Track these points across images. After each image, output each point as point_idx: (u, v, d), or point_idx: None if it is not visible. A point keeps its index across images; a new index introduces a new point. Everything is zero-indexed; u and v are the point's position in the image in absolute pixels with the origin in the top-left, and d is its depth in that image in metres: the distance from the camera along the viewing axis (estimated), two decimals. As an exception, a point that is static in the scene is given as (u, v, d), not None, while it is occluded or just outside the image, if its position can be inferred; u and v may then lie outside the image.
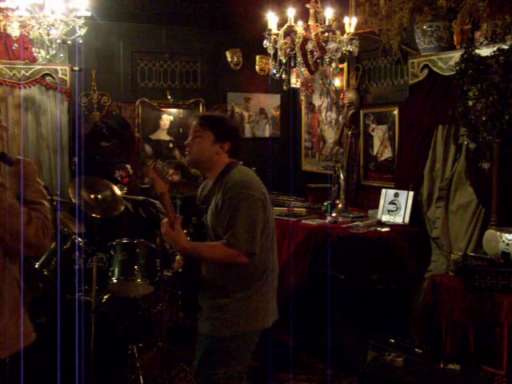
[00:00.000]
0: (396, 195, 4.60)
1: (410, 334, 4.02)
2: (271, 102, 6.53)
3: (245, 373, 2.65)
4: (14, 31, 4.33)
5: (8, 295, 2.08)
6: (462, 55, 3.76)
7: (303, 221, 4.66)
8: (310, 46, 4.09)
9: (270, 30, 4.17)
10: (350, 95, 5.36)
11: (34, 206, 2.08)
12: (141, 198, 3.85)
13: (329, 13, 4.07)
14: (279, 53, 4.21)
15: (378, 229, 4.37)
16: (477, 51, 3.70)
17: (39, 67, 4.99)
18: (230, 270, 2.48)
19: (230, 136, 2.58)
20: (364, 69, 5.35)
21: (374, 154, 5.25)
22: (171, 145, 6.10)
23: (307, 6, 4.24)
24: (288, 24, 4.10)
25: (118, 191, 4.39)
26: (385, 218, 4.61)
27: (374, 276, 4.16)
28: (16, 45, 4.64)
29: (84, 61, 5.14)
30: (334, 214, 4.70)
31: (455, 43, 4.05)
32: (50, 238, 2.10)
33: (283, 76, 4.34)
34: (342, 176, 5.00)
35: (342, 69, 5.35)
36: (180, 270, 3.09)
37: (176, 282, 3.79)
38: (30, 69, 4.95)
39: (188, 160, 2.63)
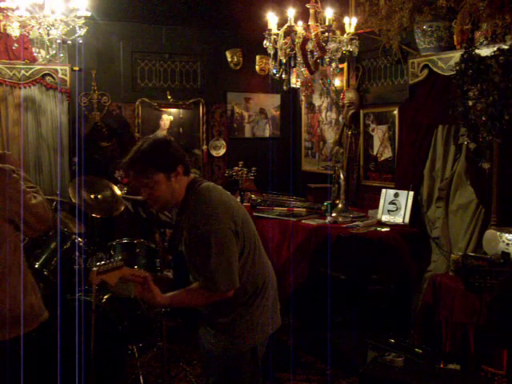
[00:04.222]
0: (396, 195, 4.60)
1: (410, 334, 4.02)
2: (271, 102, 6.53)
3: None
4: (14, 31, 4.32)
5: (23, 274, 2.46)
6: (462, 55, 3.75)
7: (303, 221, 4.65)
8: (310, 45, 4.09)
9: (270, 30, 4.18)
10: (350, 95, 5.36)
11: (32, 189, 2.55)
12: (141, 197, 3.84)
13: (329, 13, 4.08)
14: (279, 53, 4.21)
15: (378, 229, 4.37)
16: (477, 51, 3.70)
17: (39, 67, 4.98)
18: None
19: (176, 159, 2.32)
20: (364, 69, 5.35)
21: (374, 154, 5.25)
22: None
23: (307, 5, 4.24)
24: (288, 24, 4.10)
25: (118, 191, 4.40)
26: (385, 217, 4.61)
27: (374, 276, 4.16)
28: (16, 45, 4.64)
29: (84, 61, 5.14)
30: (334, 214, 4.70)
31: (455, 43, 4.05)
32: (51, 211, 2.65)
33: (283, 76, 4.34)
34: (342, 176, 5.00)
35: (342, 69, 5.35)
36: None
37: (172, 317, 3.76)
38: (30, 69, 4.95)
39: (157, 209, 2.47)
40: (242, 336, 2.39)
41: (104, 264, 2.22)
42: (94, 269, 2.19)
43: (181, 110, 6.12)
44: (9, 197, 2.41)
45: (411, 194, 4.50)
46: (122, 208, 4.37)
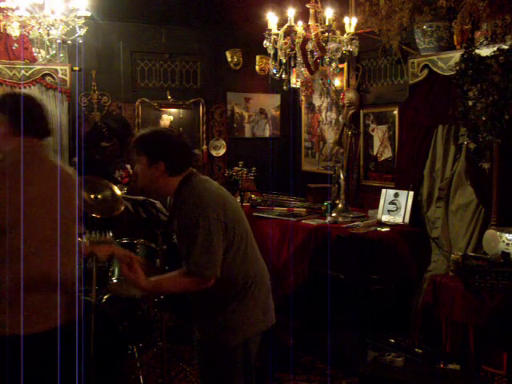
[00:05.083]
0: (396, 195, 4.60)
1: (410, 334, 4.02)
2: (271, 102, 6.53)
3: None
4: (14, 31, 4.32)
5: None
6: (462, 55, 3.76)
7: (303, 221, 4.65)
8: (310, 46, 4.10)
9: (270, 29, 4.18)
10: (349, 95, 5.36)
11: None
12: (141, 198, 3.85)
13: (329, 13, 4.08)
14: (279, 53, 4.21)
15: (378, 229, 4.37)
16: (477, 51, 3.70)
17: (39, 67, 4.97)
18: (208, 291, 2.38)
19: (160, 155, 2.40)
20: (364, 69, 5.35)
21: (374, 154, 5.25)
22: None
23: (307, 5, 4.25)
24: (288, 24, 4.10)
25: (117, 191, 4.39)
26: (385, 217, 4.61)
27: (374, 276, 4.16)
28: (16, 45, 4.63)
29: (84, 61, 5.13)
30: (333, 214, 4.69)
31: (455, 43, 4.06)
32: None
33: (283, 76, 4.34)
34: (342, 176, 4.99)
35: (342, 69, 5.35)
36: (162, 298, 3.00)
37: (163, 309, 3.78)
38: (30, 69, 4.94)
39: (140, 187, 2.58)
40: (233, 331, 2.42)
41: (94, 236, 2.33)
42: (85, 240, 2.33)
43: (181, 110, 6.11)
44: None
45: (411, 193, 4.50)
46: (122, 208, 4.36)
